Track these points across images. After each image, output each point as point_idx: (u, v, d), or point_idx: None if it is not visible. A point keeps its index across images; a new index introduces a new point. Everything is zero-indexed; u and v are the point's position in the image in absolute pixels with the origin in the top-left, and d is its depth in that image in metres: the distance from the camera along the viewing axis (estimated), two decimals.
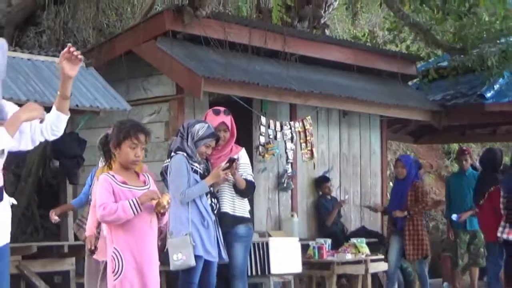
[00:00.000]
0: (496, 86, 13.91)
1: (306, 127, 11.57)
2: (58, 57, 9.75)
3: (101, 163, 7.50)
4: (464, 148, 14.47)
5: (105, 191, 5.89)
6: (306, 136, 11.57)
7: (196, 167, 7.89)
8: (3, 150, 4.34)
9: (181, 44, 10.89)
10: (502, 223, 10.57)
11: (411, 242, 10.76)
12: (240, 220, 8.40)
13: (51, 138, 5.35)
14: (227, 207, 8.38)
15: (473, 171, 12.58)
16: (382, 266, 11.47)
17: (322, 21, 15.40)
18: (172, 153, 7.93)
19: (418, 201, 10.86)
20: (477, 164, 12.76)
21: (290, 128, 11.50)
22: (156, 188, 6.27)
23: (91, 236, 7.66)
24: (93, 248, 7.61)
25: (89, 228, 7.74)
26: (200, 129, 7.99)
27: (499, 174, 11.22)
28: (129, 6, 15.38)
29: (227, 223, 8.32)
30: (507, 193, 10.50)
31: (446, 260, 13.36)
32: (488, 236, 11.10)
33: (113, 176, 6.00)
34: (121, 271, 5.93)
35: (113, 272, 5.94)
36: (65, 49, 4.88)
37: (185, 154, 7.84)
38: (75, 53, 4.86)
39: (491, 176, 11.09)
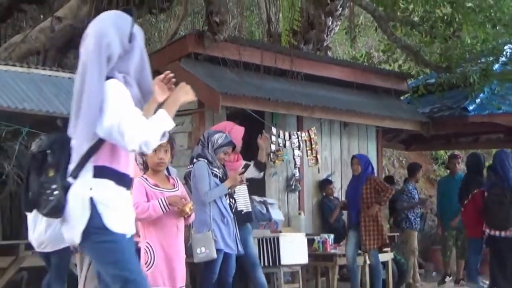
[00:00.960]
0: (478, 100, 13.87)
1: (311, 137, 11.57)
2: None
3: None
4: (456, 153, 14.45)
5: (138, 192, 5.93)
6: (311, 145, 11.56)
7: (216, 171, 7.96)
8: (165, 133, 4.00)
9: (202, 64, 10.90)
10: None
11: (367, 233, 10.35)
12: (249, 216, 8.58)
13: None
14: (242, 206, 8.46)
15: (461, 174, 12.55)
16: (380, 258, 11.45)
17: (325, 44, 15.38)
18: (194, 160, 7.98)
19: (380, 192, 10.48)
20: None
21: (298, 138, 11.50)
22: (184, 190, 6.32)
23: None
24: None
25: None
26: (219, 138, 8.07)
27: (482, 177, 11.22)
28: (156, 32, 15.41)
29: (243, 220, 8.42)
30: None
31: (435, 252, 13.31)
32: (471, 233, 11.08)
33: (146, 179, 6.08)
34: (153, 263, 5.95)
35: (145, 263, 5.96)
36: (162, 75, 4.51)
37: (205, 161, 7.92)
38: (172, 80, 4.57)
39: (475, 179, 11.07)
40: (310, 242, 10.44)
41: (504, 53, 13.94)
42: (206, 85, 10.45)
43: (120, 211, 4.02)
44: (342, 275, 11.82)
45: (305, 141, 11.56)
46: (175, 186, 6.21)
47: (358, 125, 13.09)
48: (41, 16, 12.91)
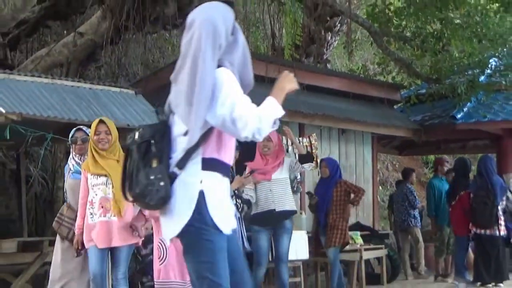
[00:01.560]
0: (465, 109, 13.87)
1: (312, 142, 11.54)
2: (113, 87, 9.76)
3: (69, 161, 7.10)
4: (445, 157, 14.44)
5: None
6: (312, 149, 11.53)
7: None
8: (275, 120, 3.65)
9: None
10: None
11: (330, 231, 9.87)
12: (284, 214, 8.42)
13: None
14: (276, 205, 8.40)
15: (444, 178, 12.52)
16: (373, 254, 11.43)
17: (325, 57, 15.41)
18: None
19: (352, 193, 10.05)
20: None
21: (300, 143, 11.49)
22: None
23: (79, 236, 6.57)
24: (80, 247, 6.63)
25: (79, 227, 6.60)
26: None
27: (468, 180, 11.22)
28: (169, 46, 15.42)
29: (274, 218, 8.35)
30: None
31: (427, 249, 13.25)
32: (458, 231, 11.10)
33: None
34: (165, 258, 5.95)
35: (158, 258, 5.97)
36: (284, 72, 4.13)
37: None
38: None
39: (462, 181, 11.07)
40: (311, 239, 10.42)
41: (489, 65, 13.92)
42: None
43: (225, 208, 3.69)
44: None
45: (306, 146, 11.53)
46: None
47: (355, 132, 13.09)
48: (65, 32, 12.94)
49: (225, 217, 3.64)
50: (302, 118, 11.63)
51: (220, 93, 3.60)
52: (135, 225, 6.48)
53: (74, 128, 7.12)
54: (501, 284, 10.55)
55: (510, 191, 11.01)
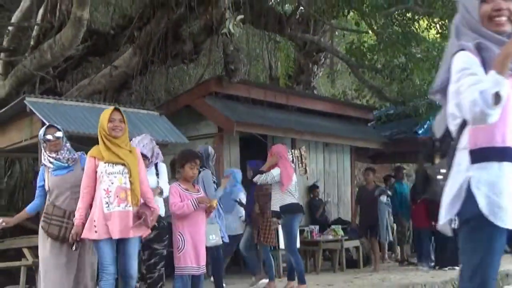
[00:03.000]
0: (425, 126, 13.89)
1: (302, 153, 11.48)
2: (142, 109, 9.74)
3: (44, 160, 5.83)
4: (401, 165, 14.47)
5: (175, 194, 6.00)
6: (302, 159, 11.52)
7: (214, 179, 7.71)
8: (498, 94, 2.53)
9: (221, 100, 10.95)
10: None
11: (261, 230, 9.04)
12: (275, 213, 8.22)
13: None
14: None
15: (406, 182, 12.57)
16: (352, 243, 11.44)
17: (312, 85, 15.45)
18: (200, 169, 7.24)
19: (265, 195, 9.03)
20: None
21: (291, 154, 11.44)
22: (204, 194, 6.35)
23: (78, 227, 5.28)
24: (79, 239, 5.34)
25: (81, 217, 5.32)
26: (211, 151, 7.89)
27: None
28: (187, 76, 15.49)
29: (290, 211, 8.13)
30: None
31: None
32: (421, 224, 11.05)
33: (179, 184, 6.12)
34: (184, 247, 5.97)
35: (177, 248, 5.98)
36: None
37: (210, 171, 7.61)
38: None
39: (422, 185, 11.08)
40: (301, 232, 10.42)
41: None
42: (224, 116, 10.50)
43: (505, 197, 2.76)
44: (324, 257, 11.80)
45: (297, 156, 11.50)
46: (199, 191, 6.26)
47: (337, 145, 13.12)
48: (103, 65, 12.98)
49: (501, 209, 2.77)
50: (294, 134, 11.67)
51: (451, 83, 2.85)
52: (145, 213, 5.32)
53: (44, 127, 5.99)
54: (456, 267, 10.57)
55: None
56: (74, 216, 5.48)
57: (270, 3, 13.32)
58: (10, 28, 11.44)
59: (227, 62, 10.89)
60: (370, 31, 13.39)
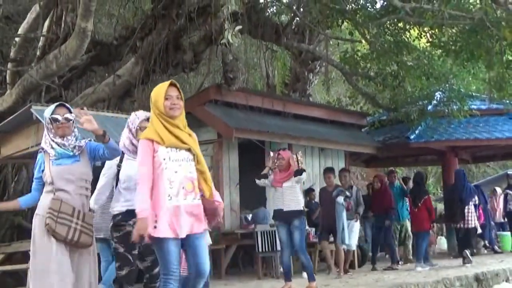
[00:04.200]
0: (417, 131, 13.93)
1: (298, 158, 11.39)
2: None
3: (45, 145, 4.65)
4: (393, 169, 14.48)
5: None
6: (298, 164, 11.51)
7: None
8: None
9: (220, 107, 10.96)
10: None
11: None
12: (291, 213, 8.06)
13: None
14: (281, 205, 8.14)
15: (398, 184, 12.53)
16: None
17: (307, 92, 15.47)
18: None
19: None
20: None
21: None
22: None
23: (146, 220, 3.94)
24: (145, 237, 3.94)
25: (144, 209, 3.98)
26: None
27: (425, 187, 11.47)
28: (187, 85, 15.50)
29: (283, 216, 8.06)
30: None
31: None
32: (422, 227, 10.99)
33: None
34: None
35: None
36: None
37: None
38: None
39: (422, 188, 11.14)
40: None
41: (435, 98, 14.00)
42: (223, 122, 10.51)
43: None
44: (321, 257, 11.77)
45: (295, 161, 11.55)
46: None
47: (332, 150, 13.12)
48: (106, 74, 13.01)
49: None
50: (291, 140, 11.68)
51: None
52: (216, 204, 4.34)
53: (54, 104, 4.77)
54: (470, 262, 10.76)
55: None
56: (84, 215, 4.56)
57: (267, 14, 13.34)
58: (17, 39, 11.46)
59: (226, 71, 10.91)
60: (363, 40, 13.41)
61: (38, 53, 11.18)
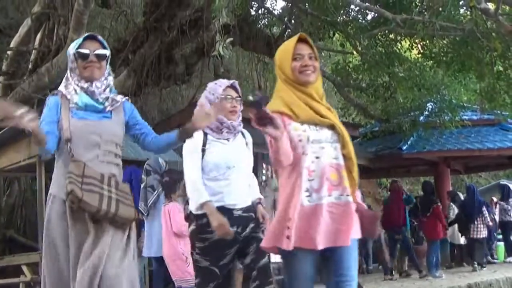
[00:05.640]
0: (409, 142, 13.96)
1: None
2: None
3: (65, 88, 3.34)
4: (397, 179, 14.52)
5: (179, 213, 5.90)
6: None
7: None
8: None
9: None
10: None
11: None
12: None
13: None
14: None
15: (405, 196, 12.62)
16: None
17: None
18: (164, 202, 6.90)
19: None
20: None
21: None
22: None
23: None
24: None
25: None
26: (163, 165, 7.53)
27: (435, 196, 11.63)
28: (179, 97, 15.51)
29: None
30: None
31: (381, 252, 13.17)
32: (433, 235, 11.11)
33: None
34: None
35: (187, 262, 5.78)
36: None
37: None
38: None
39: (431, 198, 11.31)
40: None
41: (427, 108, 14.05)
42: None
43: None
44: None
45: None
46: None
47: None
48: None
49: None
50: None
51: None
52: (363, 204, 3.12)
53: (81, 37, 3.42)
54: (484, 267, 11.30)
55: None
56: (117, 182, 3.27)
57: (259, 26, 13.38)
58: (9, 52, 11.43)
59: None
60: (354, 52, 13.46)
61: (30, 66, 11.15)
